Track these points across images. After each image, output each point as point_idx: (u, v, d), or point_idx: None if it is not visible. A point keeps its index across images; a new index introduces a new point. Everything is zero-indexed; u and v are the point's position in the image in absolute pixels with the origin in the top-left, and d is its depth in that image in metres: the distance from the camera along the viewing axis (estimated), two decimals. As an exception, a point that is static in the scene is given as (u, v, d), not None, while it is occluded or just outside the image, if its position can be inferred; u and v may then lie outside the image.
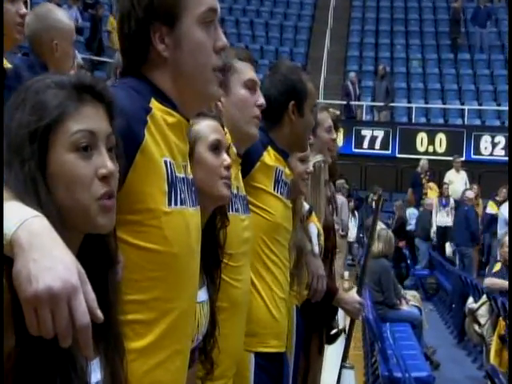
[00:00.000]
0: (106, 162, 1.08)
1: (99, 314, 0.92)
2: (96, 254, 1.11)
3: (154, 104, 1.41)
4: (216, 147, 1.72)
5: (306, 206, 2.76)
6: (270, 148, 2.24)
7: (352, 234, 11.54)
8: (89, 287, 0.92)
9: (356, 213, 12.25)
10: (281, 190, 2.25)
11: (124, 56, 1.49)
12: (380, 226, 9.89)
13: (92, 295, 0.92)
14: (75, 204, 1.06)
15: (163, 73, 1.45)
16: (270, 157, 2.23)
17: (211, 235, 1.71)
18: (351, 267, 11.15)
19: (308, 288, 2.72)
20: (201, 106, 1.57)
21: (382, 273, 6.87)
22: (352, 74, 16.31)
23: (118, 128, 1.23)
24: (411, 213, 13.08)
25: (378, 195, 3.37)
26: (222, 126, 1.79)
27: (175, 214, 1.38)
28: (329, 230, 3.16)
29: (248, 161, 2.10)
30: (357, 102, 16.37)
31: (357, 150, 15.60)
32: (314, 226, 2.85)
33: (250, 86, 2.02)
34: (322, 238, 2.96)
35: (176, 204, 1.38)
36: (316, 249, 2.77)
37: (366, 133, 15.75)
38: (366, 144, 15.74)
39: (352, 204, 11.91)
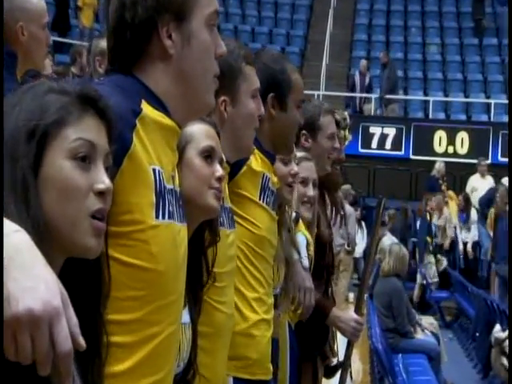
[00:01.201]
0: (104, 178, 1.14)
1: (82, 341, 0.96)
2: (82, 281, 1.16)
3: (145, 105, 1.47)
4: (208, 155, 1.78)
5: (293, 214, 2.81)
6: (256, 150, 2.27)
7: (359, 248, 11.54)
8: (71, 311, 0.95)
9: (363, 224, 12.29)
10: (267, 199, 2.30)
11: (114, 48, 1.53)
12: (391, 239, 9.99)
13: (74, 319, 0.95)
14: (64, 216, 1.11)
15: (162, 72, 1.51)
16: (256, 161, 2.29)
17: (198, 252, 1.76)
18: (356, 287, 11.18)
19: (294, 303, 2.78)
20: (195, 115, 1.64)
21: (392, 294, 6.91)
22: (363, 62, 16.38)
23: None
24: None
25: (379, 202, 3.38)
26: (218, 135, 1.85)
27: (163, 228, 1.44)
28: (324, 246, 3.19)
29: (233, 165, 2.14)
30: (362, 94, 16.45)
31: (364, 151, 15.65)
32: (303, 236, 2.91)
33: (255, 94, 2.13)
34: (312, 249, 3.02)
35: (164, 217, 1.45)
36: (305, 261, 2.82)
37: (375, 130, 15.82)
38: (374, 143, 15.81)
39: (358, 213, 11.93)
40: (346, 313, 3.20)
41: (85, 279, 1.17)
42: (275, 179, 2.38)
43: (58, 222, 1.10)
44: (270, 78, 2.38)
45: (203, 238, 1.80)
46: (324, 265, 3.20)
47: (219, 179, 1.77)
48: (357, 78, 16.29)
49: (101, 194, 1.13)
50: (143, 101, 1.47)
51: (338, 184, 3.54)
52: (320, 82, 16.46)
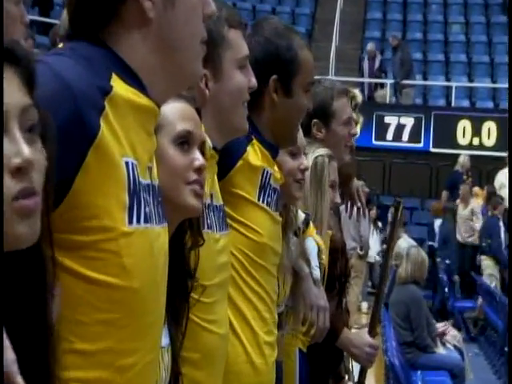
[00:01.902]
0: (20, 148, 1.01)
1: (20, 381, 0.90)
2: (18, 282, 1.07)
3: (116, 81, 1.37)
4: (184, 141, 1.68)
5: (302, 215, 2.72)
6: (254, 141, 2.19)
7: (373, 252, 11.52)
8: (6, 343, 0.90)
9: (378, 224, 12.24)
10: (268, 199, 2.22)
11: (77, 8, 1.43)
12: (409, 242, 9.95)
13: (11, 356, 0.91)
14: None
15: (138, 40, 1.42)
16: (255, 154, 2.19)
17: (177, 258, 1.66)
18: (372, 296, 11.14)
19: (305, 324, 2.70)
20: (179, 89, 1.57)
21: (411, 304, 6.91)
22: (370, 45, 16.33)
23: (62, 115, 1.24)
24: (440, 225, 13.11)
25: (397, 206, 3.31)
26: (198, 112, 1.76)
27: (137, 235, 1.36)
28: (336, 251, 3.12)
29: (226, 158, 2.06)
30: (376, 80, 16.41)
31: (378, 143, 15.64)
32: (313, 242, 2.80)
33: (243, 64, 2.02)
34: (325, 257, 2.94)
35: (139, 221, 1.36)
36: (316, 272, 2.73)
37: (391, 120, 15.80)
38: (390, 135, 15.79)
39: (374, 213, 11.89)
40: (359, 335, 3.13)
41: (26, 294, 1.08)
42: (278, 175, 2.29)
43: None
44: (272, 55, 2.27)
45: (183, 240, 1.72)
46: (336, 274, 3.13)
47: (199, 170, 1.67)
48: (365, 62, 16.23)
49: (19, 170, 1.01)
50: (114, 75, 1.37)
51: (352, 175, 3.44)
52: (329, 66, 16.40)
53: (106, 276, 1.32)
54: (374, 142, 15.58)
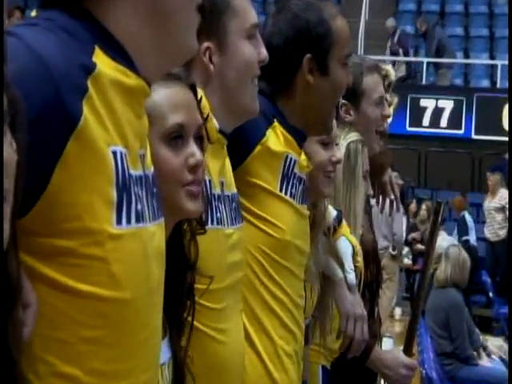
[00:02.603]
0: None
1: None
2: None
3: (99, 57, 1.31)
4: (177, 136, 1.64)
5: (333, 212, 2.68)
6: (276, 124, 2.18)
7: (407, 252, 11.46)
8: None
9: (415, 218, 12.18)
10: (292, 189, 2.19)
11: None
12: (448, 240, 9.85)
13: None
14: None
15: (127, 7, 1.37)
16: (276, 138, 2.17)
17: (174, 252, 1.64)
18: (406, 301, 11.09)
19: (340, 337, 2.67)
20: (171, 65, 1.53)
21: (450, 310, 6.86)
22: (389, 21, 16.19)
23: (37, 98, 1.18)
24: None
25: (437, 208, 3.23)
26: (194, 91, 1.72)
27: (128, 237, 1.30)
28: (367, 255, 3.05)
29: (241, 143, 2.05)
30: (410, 58, 16.28)
31: (413, 130, 15.53)
32: (347, 242, 2.74)
33: (252, 33, 1.98)
34: (361, 260, 2.87)
35: (129, 221, 1.31)
36: (351, 277, 2.68)
37: (428, 103, 15.67)
38: (426, 120, 15.64)
39: (413, 207, 11.81)
40: (392, 355, 3.05)
41: None
42: (304, 162, 2.27)
43: None
44: (303, 32, 2.24)
45: (180, 231, 1.68)
46: (367, 280, 3.07)
47: (195, 167, 1.63)
48: (392, 37, 16.10)
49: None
50: (97, 49, 1.31)
51: (386, 164, 3.39)
52: (358, 43, 16.32)
53: (90, 286, 1.27)
54: (408, 128, 15.46)
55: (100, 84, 1.29)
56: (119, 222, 1.29)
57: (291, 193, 2.18)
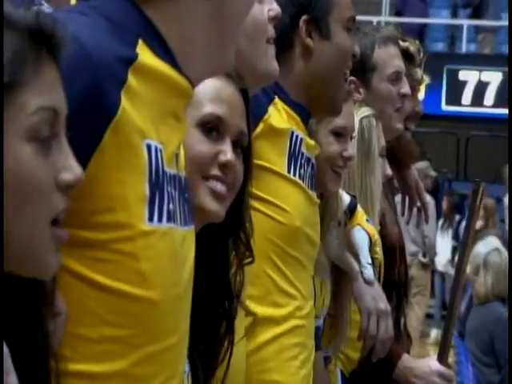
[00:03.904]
0: (72, 163, 1.12)
1: None
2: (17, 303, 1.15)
3: (143, 50, 1.38)
4: (211, 127, 1.70)
5: (347, 198, 2.60)
6: (277, 100, 2.14)
7: (441, 259, 10.75)
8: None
9: (452, 221, 11.44)
10: (300, 171, 2.16)
11: None
12: (489, 245, 8.93)
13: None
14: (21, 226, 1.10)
15: (190, 6, 1.44)
16: (279, 114, 2.14)
17: (214, 276, 1.71)
18: (441, 321, 10.35)
19: (360, 338, 2.58)
20: (218, 73, 1.63)
21: (495, 329, 6.33)
22: None
23: (77, 88, 1.25)
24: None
25: (476, 190, 3.04)
26: (246, 97, 1.76)
27: (159, 235, 1.37)
28: (392, 252, 2.95)
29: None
30: (446, 20, 15.12)
31: (450, 109, 14.01)
32: (363, 232, 2.64)
33: None
34: (379, 250, 2.75)
35: (161, 219, 1.37)
36: (368, 271, 2.57)
37: (468, 76, 14.11)
38: (467, 97, 14.16)
39: (444, 206, 11.24)
40: (423, 363, 2.88)
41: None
42: (311, 142, 2.21)
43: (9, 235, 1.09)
44: None
45: (221, 253, 1.74)
46: (393, 281, 2.96)
47: (224, 166, 1.67)
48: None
49: (68, 187, 1.12)
50: (141, 42, 1.38)
51: (411, 156, 3.25)
52: (382, 4, 15.40)
53: (118, 282, 1.33)
54: (444, 107, 14.05)
55: (141, 74, 1.36)
56: (151, 218, 1.35)
57: (300, 174, 2.16)
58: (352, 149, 2.45)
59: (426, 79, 3.26)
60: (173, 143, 1.42)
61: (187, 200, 1.49)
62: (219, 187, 1.67)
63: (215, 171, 1.68)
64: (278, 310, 2.13)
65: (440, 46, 15.34)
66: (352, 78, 2.73)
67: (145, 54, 1.39)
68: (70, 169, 1.12)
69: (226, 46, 1.52)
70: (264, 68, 1.96)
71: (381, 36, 2.95)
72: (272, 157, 2.12)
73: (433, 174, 10.68)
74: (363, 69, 2.87)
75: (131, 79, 1.35)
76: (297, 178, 2.15)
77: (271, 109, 2.12)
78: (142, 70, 1.37)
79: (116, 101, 1.32)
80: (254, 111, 1.99)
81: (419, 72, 3.10)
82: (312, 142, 2.22)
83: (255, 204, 2.00)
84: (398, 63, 2.94)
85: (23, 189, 1.10)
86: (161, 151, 1.38)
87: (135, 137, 1.34)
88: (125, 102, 1.33)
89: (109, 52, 1.34)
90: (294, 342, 2.15)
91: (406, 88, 2.93)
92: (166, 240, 1.39)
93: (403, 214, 3.29)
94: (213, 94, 1.72)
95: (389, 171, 2.91)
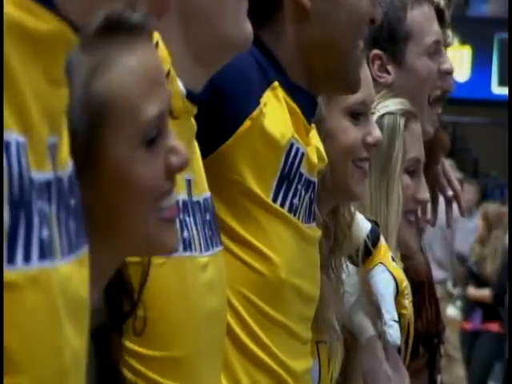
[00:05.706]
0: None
1: None
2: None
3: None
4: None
5: (365, 225, 2.13)
6: (276, 84, 1.75)
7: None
8: None
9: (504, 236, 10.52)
10: (293, 200, 1.77)
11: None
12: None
13: None
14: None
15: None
16: (278, 109, 1.75)
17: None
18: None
19: None
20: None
21: None
22: None
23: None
24: None
25: None
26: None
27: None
28: (419, 286, 2.46)
29: (219, 114, 1.68)
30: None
31: (503, 93, 11.86)
32: (387, 275, 2.17)
33: None
34: (409, 304, 2.23)
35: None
36: (393, 332, 2.09)
37: None
38: None
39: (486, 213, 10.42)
40: None
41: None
42: (314, 158, 1.81)
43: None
44: None
45: None
46: (421, 330, 2.46)
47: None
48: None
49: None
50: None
51: (442, 148, 2.68)
52: None
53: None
54: (494, 90, 12.72)
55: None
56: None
57: (292, 204, 1.77)
58: (376, 129, 2.01)
59: (455, 40, 2.77)
60: (43, 130, 1.06)
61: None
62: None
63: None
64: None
65: (486, 9, 13.97)
66: (376, 51, 2.35)
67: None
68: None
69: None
70: (232, 30, 1.54)
71: None
72: (254, 175, 1.72)
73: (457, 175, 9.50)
74: (393, 39, 2.38)
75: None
76: (285, 210, 1.76)
77: (268, 95, 1.75)
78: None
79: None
80: (239, 99, 1.69)
81: (450, 34, 2.53)
82: (314, 159, 1.82)
83: (226, 241, 1.67)
84: (436, 28, 2.43)
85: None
86: (24, 148, 1.02)
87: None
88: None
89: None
90: None
91: (448, 63, 2.43)
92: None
93: (434, 224, 2.68)
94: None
95: (423, 195, 2.38)
